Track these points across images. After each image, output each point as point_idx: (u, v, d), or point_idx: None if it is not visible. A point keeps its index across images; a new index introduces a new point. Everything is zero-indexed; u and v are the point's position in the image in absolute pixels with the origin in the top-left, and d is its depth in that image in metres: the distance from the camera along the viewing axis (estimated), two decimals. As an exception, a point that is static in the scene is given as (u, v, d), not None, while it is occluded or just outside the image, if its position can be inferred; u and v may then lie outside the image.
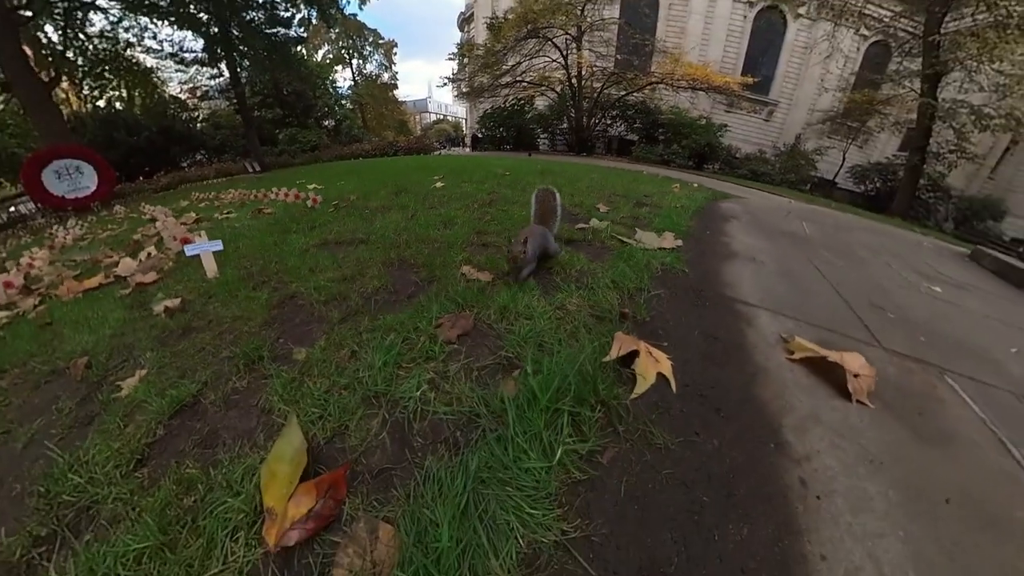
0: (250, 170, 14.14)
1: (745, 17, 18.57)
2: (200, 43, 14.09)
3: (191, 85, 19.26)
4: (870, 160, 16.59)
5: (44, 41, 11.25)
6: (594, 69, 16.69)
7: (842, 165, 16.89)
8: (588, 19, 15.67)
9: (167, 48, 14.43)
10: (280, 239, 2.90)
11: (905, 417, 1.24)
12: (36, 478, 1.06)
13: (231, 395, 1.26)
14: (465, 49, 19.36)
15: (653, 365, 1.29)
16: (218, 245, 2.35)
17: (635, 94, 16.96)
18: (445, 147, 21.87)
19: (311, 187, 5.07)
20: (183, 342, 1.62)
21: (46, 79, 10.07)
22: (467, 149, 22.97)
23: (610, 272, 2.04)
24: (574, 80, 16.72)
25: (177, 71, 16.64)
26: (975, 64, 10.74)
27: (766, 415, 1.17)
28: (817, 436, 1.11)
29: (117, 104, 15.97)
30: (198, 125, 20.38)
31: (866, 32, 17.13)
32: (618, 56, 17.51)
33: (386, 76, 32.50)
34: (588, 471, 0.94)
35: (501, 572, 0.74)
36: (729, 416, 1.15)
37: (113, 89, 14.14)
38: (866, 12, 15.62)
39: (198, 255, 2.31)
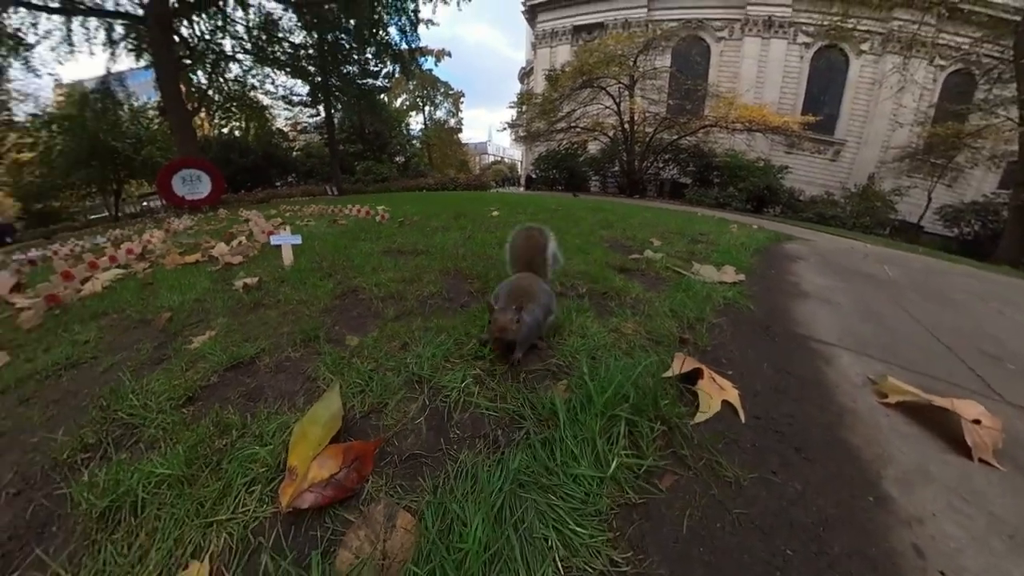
0: (329, 193, 16.61)
1: (801, 58, 18.35)
2: (306, 89, 17.79)
3: (293, 121, 23.84)
4: (963, 200, 14.85)
5: (193, 81, 14.74)
6: (646, 114, 17.15)
7: (928, 206, 15.20)
8: (640, 69, 16.39)
9: (280, 92, 18.37)
10: (350, 243, 3.20)
11: None
12: (103, 395, 1.22)
13: (283, 362, 1.37)
14: (524, 98, 20.97)
15: (718, 391, 1.20)
16: (297, 239, 2.75)
17: (688, 137, 17.01)
18: (500, 186, 23.33)
19: (380, 207, 5.66)
20: (251, 315, 1.82)
21: (190, 109, 13.08)
22: (521, 188, 24.16)
23: (668, 301, 1.98)
24: (626, 125, 17.24)
25: (284, 110, 20.89)
26: None
27: (859, 462, 1.02)
28: (930, 496, 0.94)
29: (236, 132, 20.30)
30: (293, 153, 25.05)
31: (942, 62, 16.08)
32: (670, 101, 17.87)
33: (452, 121, 37.38)
34: (644, 494, 0.86)
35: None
36: (812, 458, 1.02)
37: (236, 120, 18.23)
38: (939, 42, 14.74)
39: (280, 246, 2.71)
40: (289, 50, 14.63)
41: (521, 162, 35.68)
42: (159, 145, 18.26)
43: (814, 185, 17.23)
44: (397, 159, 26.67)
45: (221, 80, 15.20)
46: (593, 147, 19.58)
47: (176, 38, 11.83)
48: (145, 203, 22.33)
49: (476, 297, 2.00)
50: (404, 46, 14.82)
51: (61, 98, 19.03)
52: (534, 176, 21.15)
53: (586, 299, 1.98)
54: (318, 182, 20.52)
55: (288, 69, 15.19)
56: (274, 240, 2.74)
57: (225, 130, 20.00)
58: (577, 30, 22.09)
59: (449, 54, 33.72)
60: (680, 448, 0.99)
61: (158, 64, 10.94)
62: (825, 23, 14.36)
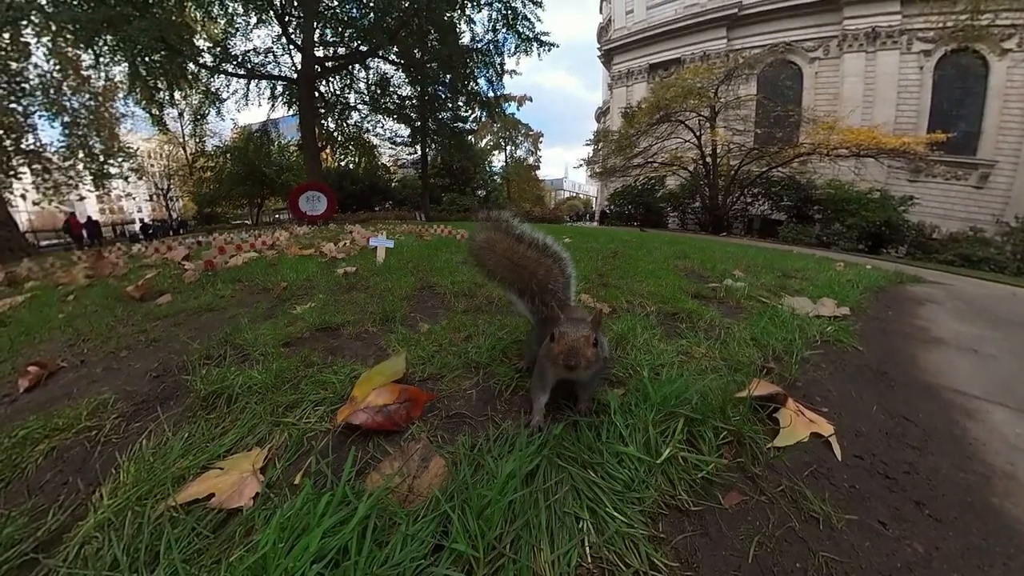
0: (418, 218, 19.28)
1: (921, 68, 15.89)
2: (407, 132, 21.30)
3: (395, 157, 28.19)
4: None
5: (324, 125, 18.78)
6: (730, 146, 16.25)
7: None
8: (722, 99, 15.76)
9: (387, 134, 22.22)
10: (432, 253, 3.74)
11: None
12: (227, 329, 1.63)
13: (362, 333, 1.62)
14: (601, 136, 21.73)
15: (805, 423, 1.02)
16: (391, 243, 3.43)
17: (780, 169, 15.53)
18: (574, 220, 23.87)
19: (461, 230, 6.65)
20: (345, 295, 2.20)
21: (320, 146, 16.94)
22: (594, 223, 24.32)
23: (749, 328, 1.77)
24: (708, 158, 16.51)
25: (388, 148, 24.97)
26: None
27: (1018, 536, 0.77)
28: None
29: (350, 165, 24.43)
30: (392, 184, 29.45)
31: None
32: (757, 131, 16.69)
33: (531, 159, 40.94)
34: (701, 502, 0.76)
35: (551, 568, 0.62)
36: (942, 519, 0.79)
37: (351, 156, 21.97)
38: None
39: (376, 247, 3.32)
40: (396, 101, 17.93)
41: (596, 198, 36.16)
42: (294, 172, 23.46)
43: (952, 219, 14.26)
44: (479, 192, 29.49)
45: (344, 125, 19.15)
46: (672, 182, 19.02)
47: (316, 93, 15.69)
48: (277, 216, 28.69)
49: None
50: (491, 94, 16.86)
51: (235, 136, 25.96)
52: (608, 211, 21.14)
53: (652, 317, 1.88)
54: (409, 209, 23.91)
55: (395, 116, 18.56)
56: (372, 241, 3.44)
57: (342, 163, 24.54)
58: (653, 68, 22.35)
59: (530, 99, 37.21)
60: (752, 465, 0.86)
61: (302, 112, 14.83)
62: (949, 24, 12.09)
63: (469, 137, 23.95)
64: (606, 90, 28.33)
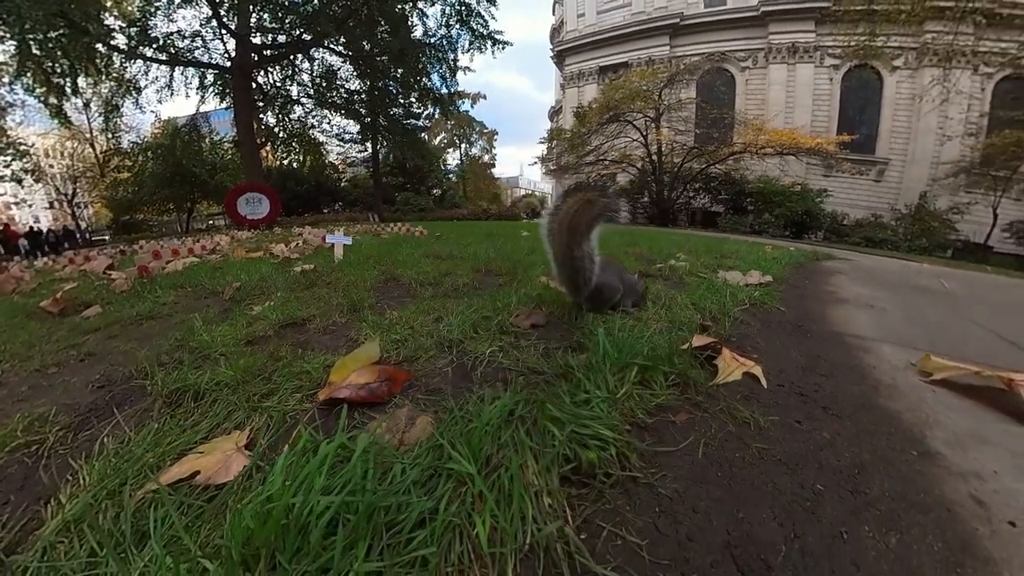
0: (372, 219, 18.15)
1: (831, 80, 18.12)
2: (356, 128, 19.86)
3: (343, 156, 26.30)
4: None
5: (263, 120, 17.11)
6: (674, 144, 17.36)
7: (995, 223, 13.85)
8: (665, 102, 16.80)
9: (334, 130, 20.56)
10: (392, 249, 3.64)
11: None
12: (178, 334, 1.49)
13: (330, 326, 1.56)
14: (554, 134, 22.11)
15: (738, 366, 1.17)
16: (349, 240, 3.27)
17: (717, 166, 16.91)
18: (531, 217, 24.10)
19: (419, 227, 6.53)
20: (306, 291, 2.10)
21: (259, 143, 14.92)
22: (550, 219, 24.90)
23: (690, 296, 1.95)
24: (654, 156, 17.48)
25: (336, 146, 23.29)
26: None
27: (899, 423, 0.95)
28: (988, 456, 0.85)
29: (294, 163, 22.41)
30: (341, 183, 27.40)
31: (989, 69, 15.28)
32: (697, 131, 18.04)
33: (486, 157, 39.95)
34: (656, 419, 0.88)
35: (539, 476, 0.68)
36: (841, 416, 0.96)
37: (295, 154, 20.11)
38: (980, 50, 14.17)
39: (333, 244, 3.19)
40: (344, 95, 16.60)
41: (551, 195, 36.73)
42: (230, 172, 20.87)
43: (858, 208, 16.38)
44: (434, 191, 28.60)
45: (286, 120, 17.48)
46: (622, 178, 19.85)
47: (253, 84, 13.99)
48: (211, 221, 25.48)
49: (503, 287, 2.16)
50: (444, 91, 16.36)
51: (158, 131, 22.27)
52: (562, 208, 21.63)
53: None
54: (362, 210, 22.42)
55: (343, 111, 17.14)
56: (329, 239, 3.27)
57: (285, 161, 22.38)
58: (603, 70, 23.24)
59: (484, 97, 36.65)
60: (696, 395, 0.99)
61: (237, 105, 13.00)
62: (852, 44, 14.00)
63: (422, 134, 23.13)
64: (559, 90, 28.97)
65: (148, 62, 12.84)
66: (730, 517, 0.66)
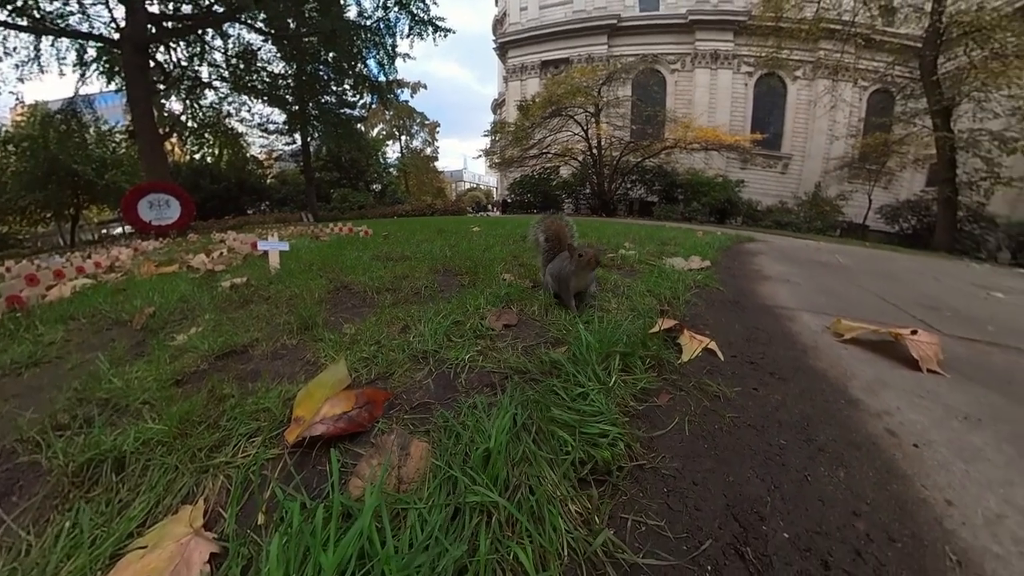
0: (305, 220, 16.11)
1: (746, 85, 20.31)
2: (282, 117, 17.55)
3: (268, 148, 23.41)
4: (898, 199, 16.33)
5: (165, 106, 14.39)
6: (612, 139, 18.20)
7: (869, 207, 16.52)
8: (604, 98, 17.52)
9: (256, 119, 17.97)
10: (337, 252, 3.24)
11: (992, 384, 1.18)
12: (77, 384, 1.14)
13: (279, 349, 1.34)
14: (498, 127, 21.86)
15: (697, 342, 1.30)
16: (285, 246, 2.75)
17: (651, 159, 18.10)
18: (477, 212, 23.73)
19: (363, 226, 5.80)
20: (240, 310, 1.78)
21: (162, 133, 12.55)
22: (497, 212, 24.66)
23: (644, 284, 2.10)
24: (595, 150, 18.19)
25: (260, 137, 20.33)
26: (983, 94, 11.27)
27: (827, 379, 1.14)
28: (891, 397, 1.07)
29: (208, 158, 19.35)
30: (267, 180, 24.34)
31: (864, 83, 18.39)
32: (633, 127, 19.06)
33: (428, 150, 37.75)
34: (645, 405, 0.95)
35: (559, 486, 0.69)
36: (785, 378, 1.13)
37: (209, 147, 17.41)
38: (860, 67, 16.97)
39: (267, 252, 2.70)
40: (267, 79, 14.55)
41: (496, 188, 36.56)
42: (125, 169, 17.26)
43: (769, 196, 18.62)
44: (374, 187, 26.52)
45: (196, 106, 14.89)
46: (565, 171, 20.42)
47: (151, 63, 11.56)
48: (105, 230, 21.19)
49: (467, 288, 2.05)
50: (382, 78, 14.97)
51: (20, 118, 17.47)
52: (509, 201, 21.71)
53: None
54: (293, 209, 20.07)
55: (265, 98, 15.01)
56: (261, 245, 2.78)
57: (197, 156, 19.13)
58: (545, 64, 23.53)
59: (425, 86, 34.54)
60: (670, 375, 1.09)
61: (130, 88, 10.49)
62: (762, 55, 16.30)
63: (358, 125, 21.09)
64: (501, 83, 28.78)
65: (2, 28, 10.07)
66: (724, 482, 0.75)
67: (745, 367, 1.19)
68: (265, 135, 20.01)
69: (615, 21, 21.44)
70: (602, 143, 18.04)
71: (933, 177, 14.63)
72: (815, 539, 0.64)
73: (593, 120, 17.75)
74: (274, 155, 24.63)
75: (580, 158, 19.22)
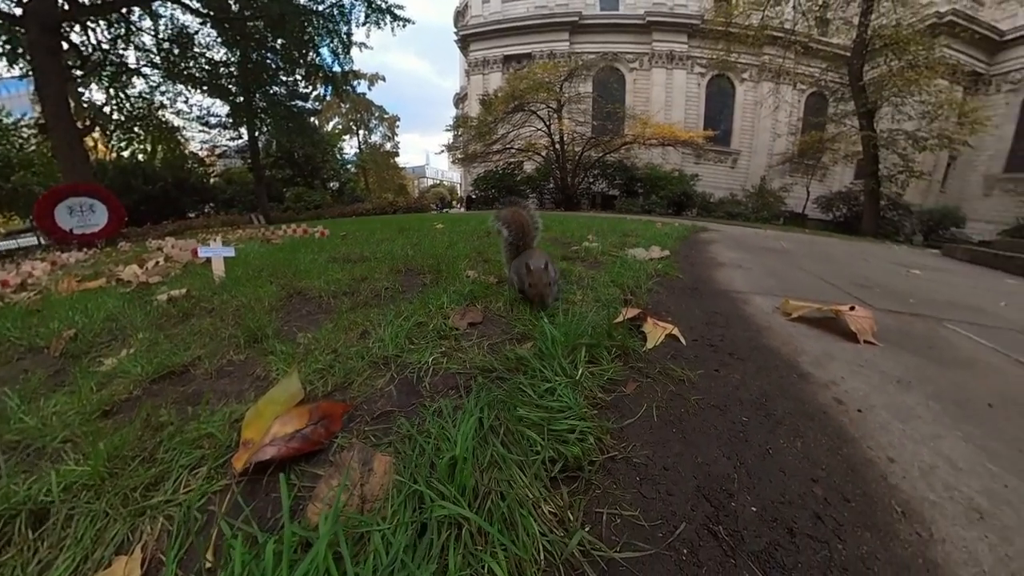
0: (256, 222, 14.80)
1: (699, 85, 21.39)
2: (226, 109, 15.72)
3: (211, 144, 20.94)
4: (831, 190, 18.19)
5: (85, 94, 12.51)
6: (574, 135, 18.49)
7: (808, 198, 18.24)
8: (566, 94, 17.75)
9: (195, 112, 15.99)
10: (290, 256, 3.00)
11: (917, 352, 1.32)
12: None
13: (225, 366, 1.21)
14: (460, 122, 21.45)
15: (660, 329, 1.33)
16: (230, 251, 2.45)
17: (612, 154, 18.62)
18: (440, 208, 23.19)
19: (319, 226, 5.41)
20: (181, 326, 1.60)
21: (81, 127, 10.74)
22: (461, 209, 24.28)
23: (608, 275, 2.13)
24: (557, 145, 18.38)
25: (200, 131, 18.13)
26: (900, 99, 13.08)
27: (780, 356, 1.21)
28: (836, 368, 1.15)
29: (139, 156, 17.06)
30: (211, 180, 21.87)
31: (803, 86, 20.25)
32: (594, 123, 19.47)
33: (388, 145, 35.93)
34: (613, 395, 0.94)
35: (531, 487, 0.66)
36: (743, 358, 1.18)
37: (140, 143, 15.15)
38: (798, 71, 18.73)
39: (210, 259, 2.39)
40: (206, 67, 13.07)
41: (460, 184, 36.02)
42: (37, 170, 15.12)
43: (720, 189, 19.79)
44: (331, 185, 24.97)
45: (122, 96, 12.98)
46: (529, 166, 20.50)
47: (65, 44, 9.88)
48: (16, 240, 18.28)
49: (430, 288, 1.97)
50: (336, 68, 13.98)
51: None
52: (474, 197, 21.51)
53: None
54: (241, 211, 18.39)
55: (205, 87, 13.40)
56: (203, 252, 2.45)
57: (126, 153, 16.91)
58: (507, 59, 23.40)
59: (383, 78, 32.76)
60: (636, 363, 1.10)
61: (39, 74, 8.98)
62: (714, 57, 17.48)
63: (312, 119, 19.74)
64: (463, 76, 28.25)
65: None
66: (693, 464, 0.76)
67: (706, 350, 1.23)
68: (206, 129, 17.98)
69: (576, 18, 21.71)
70: (564, 138, 18.28)
71: (860, 171, 16.32)
72: (780, 509, 0.66)
73: (556, 116, 17.93)
74: (217, 151, 22.13)
75: (543, 153, 19.38)
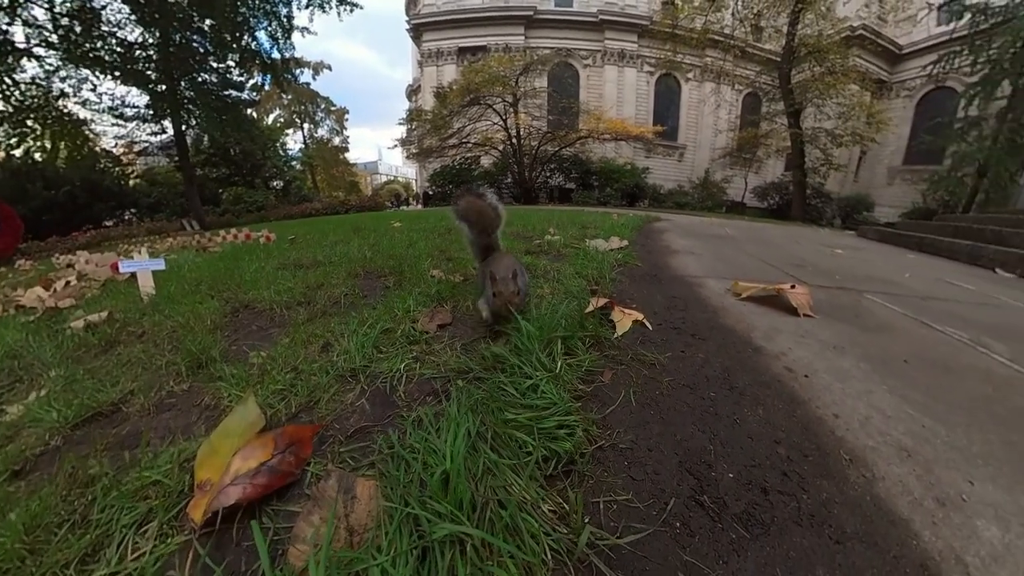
0: (188, 228, 12.93)
1: (648, 82, 22.45)
2: (144, 99, 13.18)
3: (128, 140, 17.40)
4: (766, 181, 20.10)
5: None
6: (531, 129, 18.63)
7: (746, 188, 20.02)
8: (522, 88, 17.79)
9: (106, 101, 13.21)
10: (232, 265, 2.70)
11: (846, 320, 1.51)
12: None
13: (165, 399, 1.07)
14: (414, 115, 20.65)
15: (627, 316, 1.39)
16: (159, 264, 2.12)
17: (567, 148, 19.03)
18: (396, 206, 22.32)
19: (263, 230, 4.92)
20: (104, 357, 1.38)
21: None
22: (419, 206, 23.62)
23: (572, 267, 2.17)
24: (514, 139, 18.40)
25: (115, 125, 14.94)
26: (821, 101, 14.85)
27: (736, 333, 1.31)
28: (783, 340, 1.28)
29: (36, 155, 14.03)
30: (131, 182, 18.88)
31: (740, 87, 22.14)
32: (550, 117, 19.80)
33: (337, 140, 33.53)
34: (592, 386, 0.97)
35: (528, 490, 0.66)
36: (705, 338, 1.26)
37: (35, 139, 12.63)
38: (737, 73, 20.63)
39: (133, 274, 2.07)
40: (118, 48, 11.10)
41: (416, 180, 34.93)
42: None
43: (669, 181, 21.10)
44: (274, 184, 22.89)
45: (8, 82, 10.73)
46: (486, 161, 20.38)
47: None
48: None
49: (394, 291, 1.88)
50: (276, 55, 12.66)
51: None
52: (431, 193, 21.02)
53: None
54: (170, 216, 16.22)
55: (117, 73, 11.23)
56: (126, 267, 2.10)
57: (18, 152, 13.93)
58: (462, 51, 22.94)
59: (329, 67, 30.47)
60: (609, 351, 1.14)
61: None
62: (661, 57, 18.73)
63: (249, 110, 17.24)
64: (416, 67, 27.22)
65: None
66: (673, 442, 0.81)
67: (671, 333, 1.31)
68: (121, 122, 14.89)
69: (532, 13, 21.75)
70: (521, 133, 18.36)
71: (789, 164, 18.15)
72: (753, 471, 0.73)
73: (512, 110, 17.93)
74: (137, 148, 18.94)
75: (500, 148, 19.35)
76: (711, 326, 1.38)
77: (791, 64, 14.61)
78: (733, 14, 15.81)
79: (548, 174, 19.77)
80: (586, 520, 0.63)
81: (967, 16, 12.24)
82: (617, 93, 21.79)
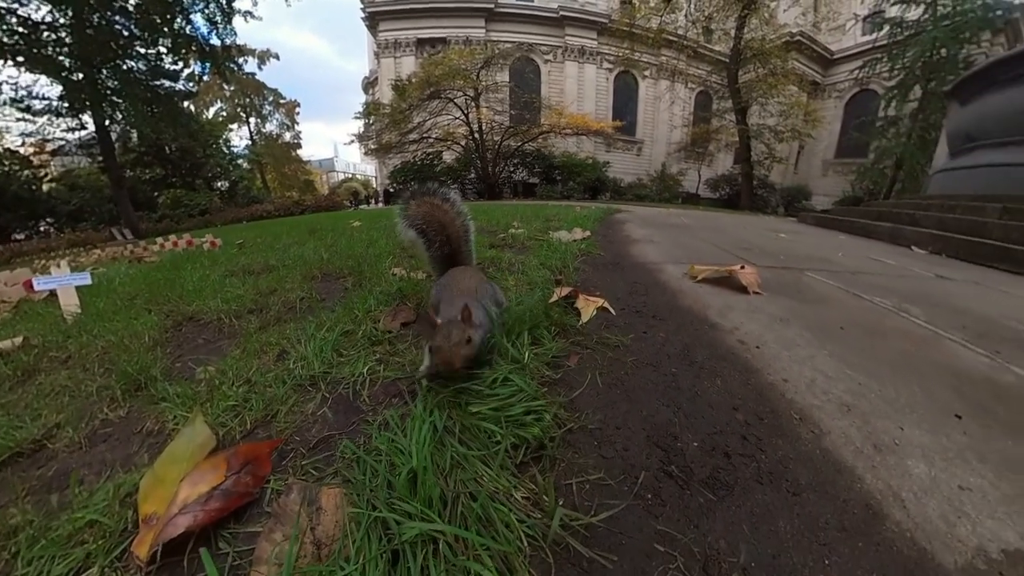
0: (119, 238, 11.81)
1: (607, 79, 23.04)
2: (57, 89, 11.55)
3: (39, 138, 15.43)
4: (717, 173, 21.54)
5: None
6: (493, 124, 18.48)
7: (700, 180, 21.21)
8: (483, 83, 17.54)
9: (7, 92, 11.50)
10: (171, 275, 2.47)
11: (790, 295, 1.64)
12: None
13: (99, 429, 0.96)
14: (371, 108, 19.73)
15: (591, 303, 1.41)
16: (84, 278, 1.88)
17: (530, 143, 19.11)
18: (355, 205, 21.38)
19: (206, 236, 4.52)
20: (22, 388, 1.21)
21: None
22: (380, 204, 22.81)
23: (536, 258, 2.17)
24: (476, 134, 18.18)
25: (21, 120, 13.12)
26: (764, 100, 16.36)
27: (693, 313, 1.37)
28: (736, 316, 1.36)
29: None
30: (44, 187, 16.90)
31: (693, 85, 23.49)
32: (512, 112, 19.76)
33: (288, 135, 31.06)
34: (560, 371, 0.98)
35: (499, 479, 0.65)
36: (664, 319, 1.31)
37: None
38: (690, 72, 21.99)
39: (53, 291, 1.82)
40: (20, 29, 9.61)
41: (376, 177, 33.65)
42: None
43: (629, 174, 21.86)
44: (218, 185, 21.03)
45: None
46: (448, 156, 20.03)
47: None
48: None
49: (353, 291, 1.78)
50: (215, 40, 11.56)
51: None
52: (392, 190, 20.38)
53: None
54: (97, 225, 14.46)
55: (20, 59, 9.77)
56: (41, 284, 1.84)
57: None
58: (421, 42, 22.28)
59: (276, 56, 28.01)
60: (575, 337, 1.16)
61: None
62: (620, 55, 19.60)
63: (186, 103, 15.67)
64: (372, 58, 26.03)
65: None
66: (640, 418, 0.83)
67: (633, 316, 1.34)
68: (29, 118, 12.98)
69: (492, 6, 21.50)
70: (483, 127, 18.19)
71: (737, 157, 19.48)
72: (715, 438, 0.76)
73: (473, 104, 17.71)
74: (50, 148, 16.59)
75: (463, 143, 19.08)
76: (670, 307, 1.43)
77: (738, 65, 15.78)
78: (686, 16, 16.77)
79: (512, 169, 19.79)
80: (559, 502, 0.62)
81: (887, 28, 13.80)
82: (578, 89, 22.18)
